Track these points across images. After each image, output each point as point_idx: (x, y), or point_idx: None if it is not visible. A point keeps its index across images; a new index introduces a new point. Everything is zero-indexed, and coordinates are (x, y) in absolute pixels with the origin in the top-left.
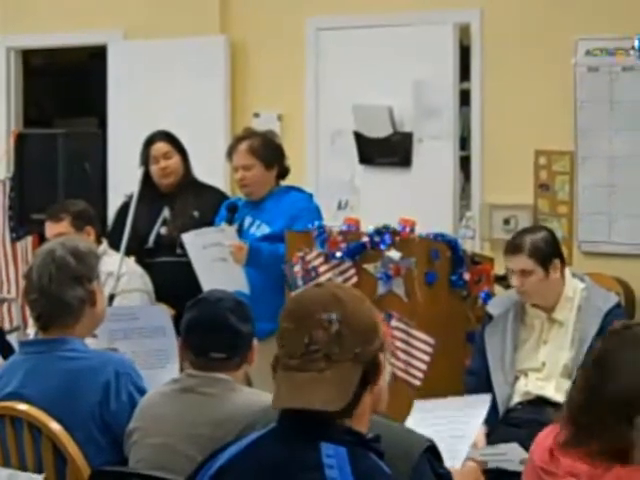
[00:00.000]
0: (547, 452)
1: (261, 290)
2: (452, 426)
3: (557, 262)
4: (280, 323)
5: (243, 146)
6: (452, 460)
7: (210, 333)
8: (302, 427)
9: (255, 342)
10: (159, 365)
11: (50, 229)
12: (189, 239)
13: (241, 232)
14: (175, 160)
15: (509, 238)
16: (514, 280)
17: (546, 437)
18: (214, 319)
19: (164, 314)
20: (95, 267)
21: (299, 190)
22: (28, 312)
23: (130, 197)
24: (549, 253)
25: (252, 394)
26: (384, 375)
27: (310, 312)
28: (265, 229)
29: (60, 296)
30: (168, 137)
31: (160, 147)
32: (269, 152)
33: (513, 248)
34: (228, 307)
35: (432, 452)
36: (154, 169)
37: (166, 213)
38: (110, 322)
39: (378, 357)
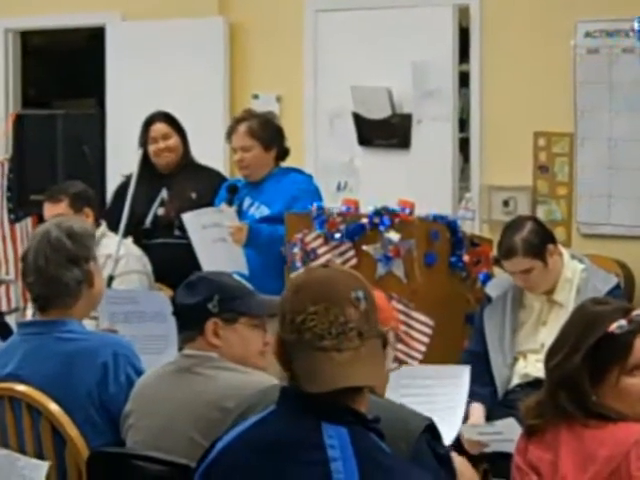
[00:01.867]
0: (522, 443)
1: (260, 271)
2: (443, 397)
3: (551, 247)
4: (301, 307)
5: (242, 127)
6: (447, 430)
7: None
8: (303, 407)
9: (214, 319)
10: (157, 351)
11: (48, 210)
12: (189, 219)
13: (240, 213)
14: (174, 141)
15: (507, 221)
16: (517, 280)
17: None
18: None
19: (164, 300)
20: (91, 247)
21: (299, 171)
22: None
23: (128, 177)
24: (541, 243)
25: (247, 374)
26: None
27: (339, 291)
28: (264, 210)
29: (57, 277)
30: (167, 118)
31: (159, 128)
32: (268, 133)
33: (506, 253)
34: (182, 286)
35: (431, 431)
36: (152, 149)
37: (164, 194)
38: (110, 304)
39: (385, 333)
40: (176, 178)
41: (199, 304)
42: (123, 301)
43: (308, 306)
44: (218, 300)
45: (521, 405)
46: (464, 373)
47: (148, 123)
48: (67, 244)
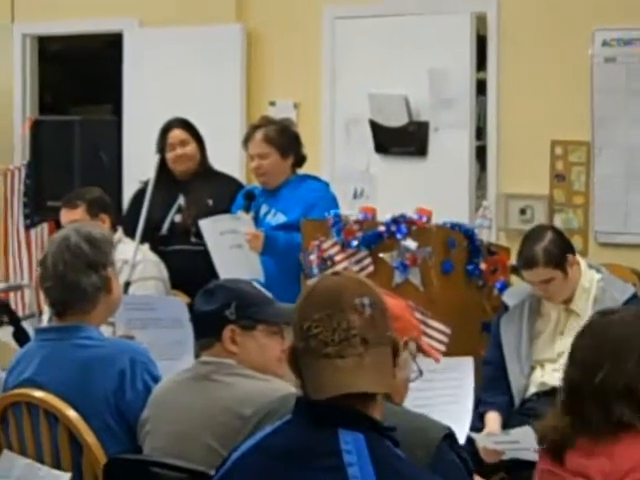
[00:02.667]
0: (550, 451)
1: (276, 278)
2: (442, 392)
3: (571, 257)
4: (307, 314)
5: (259, 134)
6: (455, 426)
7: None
8: (321, 415)
9: (232, 326)
10: (175, 357)
11: (65, 216)
12: (206, 225)
13: (257, 220)
14: (191, 147)
15: (525, 230)
16: (537, 289)
17: None
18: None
19: (182, 306)
20: (110, 253)
21: (316, 179)
22: (43, 299)
23: (145, 183)
24: (562, 254)
25: (265, 381)
26: (404, 364)
27: (343, 298)
28: (281, 218)
29: (75, 283)
30: (185, 124)
31: (177, 134)
32: (285, 140)
33: (527, 263)
34: (200, 293)
35: (450, 439)
36: (170, 156)
37: (181, 201)
38: (127, 311)
39: (398, 341)
40: (193, 185)
41: (217, 311)
42: (140, 307)
43: (313, 313)
44: (235, 307)
45: (544, 428)
46: (467, 365)
47: (166, 129)
48: (86, 250)
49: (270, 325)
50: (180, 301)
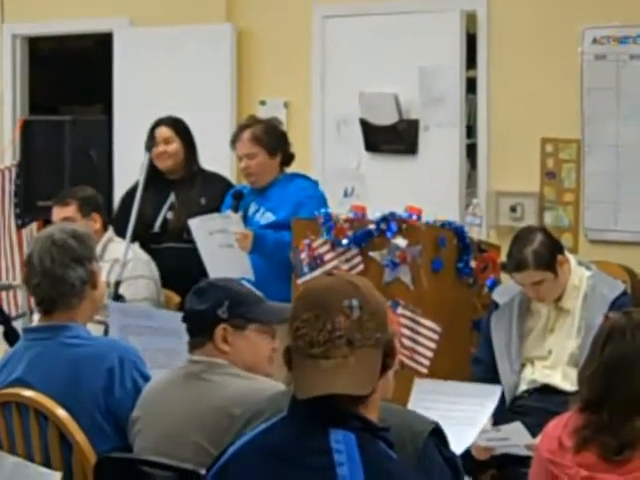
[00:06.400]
0: (555, 442)
1: (266, 277)
2: (462, 414)
3: (560, 257)
4: (297, 314)
5: (246, 134)
6: (457, 444)
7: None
8: (312, 414)
9: (224, 325)
10: (168, 365)
11: (57, 213)
12: (195, 224)
13: (246, 219)
14: (175, 146)
15: (516, 228)
16: (527, 291)
17: (554, 428)
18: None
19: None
20: (94, 248)
21: (304, 177)
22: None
23: (136, 183)
24: (552, 255)
25: (255, 380)
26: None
27: (331, 300)
28: (270, 217)
29: (63, 277)
30: (174, 123)
31: (162, 132)
32: (272, 140)
33: (517, 266)
34: (192, 292)
35: (438, 434)
36: (154, 152)
37: (173, 199)
38: (124, 316)
39: (394, 342)
40: (185, 184)
41: (209, 310)
42: (136, 315)
43: (302, 314)
44: (228, 306)
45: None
46: (495, 392)
47: (154, 126)
48: (72, 244)
49: (261, 324)
50: (179, 314)
